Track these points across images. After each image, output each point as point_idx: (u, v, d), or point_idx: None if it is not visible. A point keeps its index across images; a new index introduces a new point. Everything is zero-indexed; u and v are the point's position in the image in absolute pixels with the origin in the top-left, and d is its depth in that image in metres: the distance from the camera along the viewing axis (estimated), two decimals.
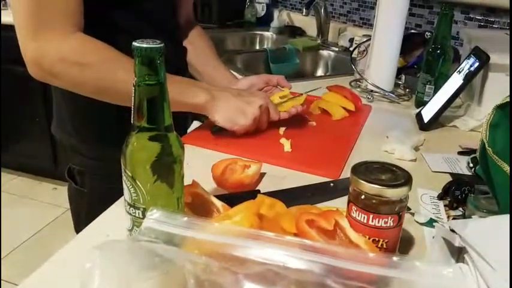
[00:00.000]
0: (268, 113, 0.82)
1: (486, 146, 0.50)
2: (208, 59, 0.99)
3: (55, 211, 2.20)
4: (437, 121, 0.92)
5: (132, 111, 0.42)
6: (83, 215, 0.85)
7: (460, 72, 0.91)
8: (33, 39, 0.65)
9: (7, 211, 2.22)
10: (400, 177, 0.45)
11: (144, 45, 0.40)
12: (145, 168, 0.43)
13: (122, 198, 0.58)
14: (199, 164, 0.67)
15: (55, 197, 2.31)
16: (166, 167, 0.44)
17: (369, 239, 0.45)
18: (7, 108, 2.29)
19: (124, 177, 0.44)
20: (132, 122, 0.43)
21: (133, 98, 0.42)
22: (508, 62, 0.84)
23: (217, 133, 0.80)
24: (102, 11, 0.72)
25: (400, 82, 1.19)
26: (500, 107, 0.52)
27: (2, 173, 2.50)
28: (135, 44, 0.40)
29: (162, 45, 0.41)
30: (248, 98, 0.80)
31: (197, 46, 0.98)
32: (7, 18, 1.91)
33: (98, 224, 0.57)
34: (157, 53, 0.41)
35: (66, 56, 0.66)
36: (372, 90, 1.12)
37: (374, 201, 0.44)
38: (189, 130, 0.90)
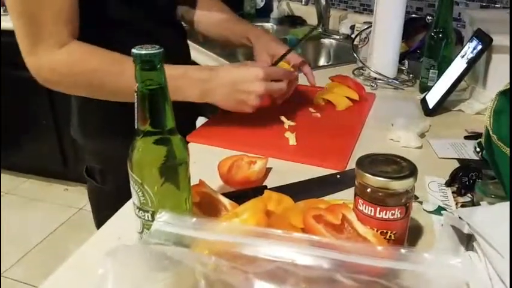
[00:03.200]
0: (275, 84, 0.79)
1: (490, 133, 0.50)
2: (230, 19, 1.01)
3: (67, 212, 2.23)
4: (442, 106, 0.91)
5: (136, 116, 0.43)
6: (106, 213, 0.87)
7: (463, 56, 0.90)
8: (29, 53, 0.68)
9: (19, 214, 2.25)
10: (405, 168, 0.45)
11: (143, 52, 0.40)
12: (152, 172, 0.43)
13: (132, 200, 0.59)
14: (205, 162, 0.67)
15: (67, 198, 2.34)
16: (173, 170, 0.44)
17: (377, 231, 0.45)
18: (15, 112, 2.32)
19: (131, 181, 0.44)
20: (136, 127, 0.43)
21: (135, 103, 0.42)
22: None
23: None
24: (104, 6, 0.74)
25: (403, 68, 1.18)
26: (503, 93, 0.51)
27: (12, 177, 2.54)
28: (134, 50, 0.40)
29: (161, 50, 0.41)
30: (244, 87, 0.75)
31: (214, 15, 1.00)
32: (7, 23, 1.97)
33: (110, 226, 0.58)
34: (157, 58, 0.41)
35: (57, 67, 0.69)
36: (375, 78, 1.11)
37: (380, 194, 0.44)
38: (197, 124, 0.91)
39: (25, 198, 2.38)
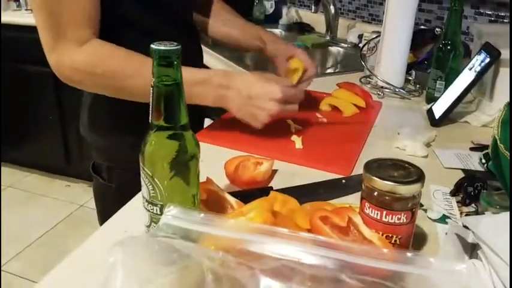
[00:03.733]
0: (289, 107, 0.78)
1: (498, 142, 0.51)
2: (244, 24, 1.02)
3: (69, 208, 2.23)
4: (449, 117, 0.91)
5: (150, 111, 0.44)
6: (111, 210, 0.87)
7: (471, 68, 0.90)
8: (52, 50, 0.69)
9: (21, 208, 2.25)
10: (412, 173, 0.46)
11: (162, 48, 0.41)
12: (163, 166, 0.44)
13: (138, 195, 0.59)
14: (212, 161, 0.67)
15: (68, 194, 2.35)
16: (183, 165, 0.45)
17: (382, 235, 0.45)
18: (20, 107, 2.33)
19: (142, 175, 0.45)
20: (150, 121, 0.44)
21: (151, 97, 0.43)
22: None
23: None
24: (119, 7, 0.74)
25: (410, 78, 1.19)
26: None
27: (15, 170, 2.55)
28: (153, 46, 0.41)
29: (179, 47, 0.42)
30: (259, 103, 0.74)
31: (226, 17, 1.01)
32: (24, 19, 1.96)
33: (116, 220, 0.58)
34: (175, 54, 0.42)
35: (78, 66, 0.70)
36: (382, 87, 1.12)
37: (387, 197, 0.45)
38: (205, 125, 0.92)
39: (27, 192, 2.39)
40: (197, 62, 0.92)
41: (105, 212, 0.91)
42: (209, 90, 0.74)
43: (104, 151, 0.87)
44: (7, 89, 2.29)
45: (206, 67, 1.03)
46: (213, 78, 0.74)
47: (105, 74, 0.71)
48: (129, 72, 0.71)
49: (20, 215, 2.20)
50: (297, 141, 0.79)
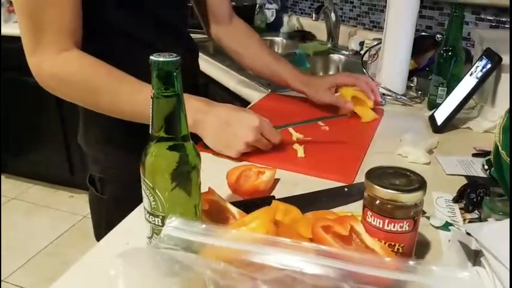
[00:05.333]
0: (264, 139, 0.76)
1: (500, 149, 0.51)
2: (272, 63, 1.01)
3: (72, 219, 2.24)
4: (451, 123, 0.91)
5: (151, 122, 0.44)
6: (103, 221, 0.87)
7: (472, 74, 0.90)
8: (32, 55, 0.69)
9: (24, 219, 2.26)
10: (414, 181, 0.46)
11: (161, 59, 0.41)
12: (164, 177, 0.44)
13: (140, 206, 0.59)
14: (214, 171, 0.67)
15: (72, 205, 2.35)
16: (184, 175, 0.45)
17: (385, 243, 0.45)
18: (22, 118, 2.35)
19: (143, 186, 0.45)
20: (150, 132, 0.44)
21: (151, 109, 0.43)
22: None
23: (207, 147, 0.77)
24: (108, 17, 0.75)
25: (412, 85, 1.19)
26: None
27: (18, 182, 2.56)
28: (152, 58, 0.42)
29: (178, 58, 0.42)
30: (236, 130, 0.73)
31: (252, 52, 1.01)
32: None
33: (118, 232, 0.58)
34: (174, 66, 0.42)
35: (55, 73, 0.69)
36: (383, 94, 1.12)
37: (389, 206, 0.45)
38: None
39: (31, 204, 2.40)
40: (191, 77, 0.91)
41: (98, 223, 0.91)
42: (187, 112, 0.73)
43: (97, 162, 0.87)
44: (9, 101, 2.31)
45: (197, 82, 1.01)
46: (192, 101, 0.72)
47: (80, 84, 0.70)
48: (106, 85, 0.70)
49: (23, 226, 2.20)
50: (299, 150, 0.79)
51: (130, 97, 0.70)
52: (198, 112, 0.72)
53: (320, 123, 0.93)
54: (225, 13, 1.00)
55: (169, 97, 0.43)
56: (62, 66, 0.69)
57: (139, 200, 0.56)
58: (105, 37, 0.76)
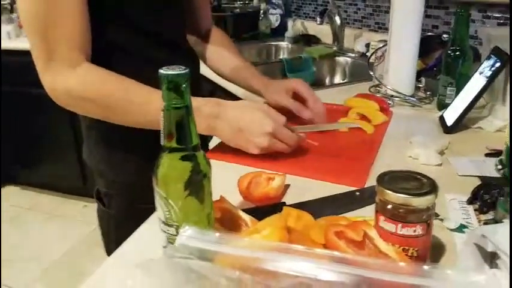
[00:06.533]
0: (279, 143, 0.75)
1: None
2: (239, 66, 1.01)
3: (86, 228, 2.26)
4: (462, 123, 0.91)
5: (162, 134, 0.44)
6: (112, 235, 0.88)
7: (481, 73, 0.90)
8: (45, 72, 0.69)
9: (38, 229, 2.29)
10: (425, 185, 0.46)
11: (170, 72, 0.42)
12: (177, 187, 0.44)
13: (151, 218, 0.60)
14: (225, 179, 0.68)
15: (85, 214, 2.37)
16: (197, 185, 0.45)
17: (399, 248, 0.45)
18: (36, 128, 2.38)
19: (157, 197, 0.46)
20: (162, 143, 0.45)
21: (162, 121, 0.44)
22: None
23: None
24: (112, 35, 0.75)
25: (420, 85, 1.18)
26: None
27: (33, 192, 2.59)
28: (161, 71, 0.42)
29: (187, 70, 0.43)
30: (248, 136, 0.73)
31: (224, 54, 1.02)
32: None
33: (130, 245, 0.58)
34: (183, 78, 0.42)
35: (70, 89, 0.69)
36: (392, 95, 1.12)
37: (401, 210, 0.45)
38: (210, 144, 0.92)
39: (45, 214, 2.42)
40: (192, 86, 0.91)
41: (107, 237, 0.91)
42: (199, 119, 0.70)
43: (102, 177, 0.88)
44: (21, 112, 2.35)
45: (199, 91, 1.02)
46: (202, 108, 0.72)
47: (94, 99, 0.70)
48: (116, 101, 0.71)
49: (38, 236, 2.23)
50: (309, 154, 0.79)
51: (141, 108, 0.71)
52: (209, 118, 0.72)
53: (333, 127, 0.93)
54: (206, 25, 1.03)
55: (179, 108, 0.43)
56: (75, 83, 0.69)
57: (146, 213, 0.57)
58: (105, 53, 0.76)
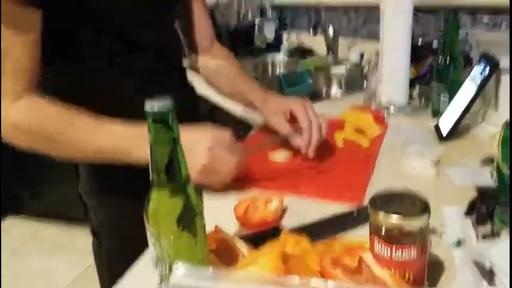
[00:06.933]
0: (225, 158, 0.70)
1: (500, 162, 0.50)
2: (238, 80, 0.98)
3: (90, 258, 2.24)
4: (456, 131, 0.90)
5: (150, 168, 0.44)
6: (105, 272, 0.88)
7: (472, 79, 0.90)
8: None
9: (44, 259, 2.28)
10: (418, 206, 0.45)
11: (155, 106, 0.42)
12: (168, 223, 0.44)
13: (144, 255, 0.59)
14: (218, 208, 0.67)
15: (89, 243, 2.36)
16: (188, 220, 0.45)
17: (395, 271, 0.45)
18: (39, 158, 2.39)
19: (148, 234, 0.46)
20: (151, 178, 0.45)
21: (149, 155, 0.44)
22: None
23: None
24: (97, 50, 0.73)
25: (414, 93, 1.18)
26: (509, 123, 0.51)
27: (36, 223, 2.58)
28: (146, 107, 0.42)
29: (171, 101, 0.42)
30: (194, 152, 0.66)
31: (224, 71, 0.98)
32: None
33: (125, 282, 0.57)
34: (168, 110, 0.42)
35: (13, 123, 0.67)
36: (386, 105, 1.12)
37: (394, 232, 0.44)
38: None
39: (49, 244, 2.42)
40: (187, 111, 0.81)
41: (101, 274, 0.91)
42: (141, 145, 0.64)
43: (94, 213, 0.88)
44: None
45: (197, 108, 1.00)
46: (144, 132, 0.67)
47: (39, 132, 0.68)
48: (60, 128, 0.68)
49: (42, 266, 2.22)
50: (305, 172, 0.79)
51: (86, 139, 0.68)
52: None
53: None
54: (206, 45, 1.00)
55: (166, 141, 0.43)
56: (17, 116, 0.66)
57: (137, 251, 0.56)
58: (90, 70, 0.75)
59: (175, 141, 0.44)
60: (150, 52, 0.80)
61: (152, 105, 0.42)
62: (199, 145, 0.68)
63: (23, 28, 0.64)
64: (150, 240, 0.46)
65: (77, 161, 0.74)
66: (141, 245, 0.53)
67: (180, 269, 0.42)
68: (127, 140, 0.68)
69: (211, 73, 1.00)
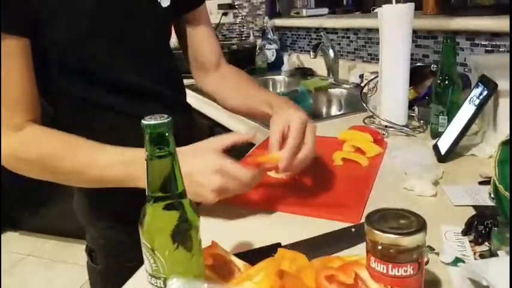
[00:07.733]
0: (232, 181, 0.66)
1: (497, 183, 0.50)
2: (251, 94, 0.90)
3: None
4: (455, 151, 0.91)
5: (146, 183, 0.45)
6: None
7: (470, 101, 0.91)
8: None
9: (41, 275, 2.25)
10: (414, 223, 0.45)
11: (152, 122, 0.43)
12: (163, 238, 0.44)
13: (138, 272, 0.59)
14: (218, 220, 0.68)
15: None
16: (184, 234, 0.45)
17: None
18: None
19: (143, 249, 0.46)
20: (146, 193, 0.45)
21: (146, 170, 0.44)
22: None
23: None
24: (79, 89, 0.75)
25: (413, 114, 1.19)
26: (505, 143, 0.52)
27: (33, 238, 2.57)
28: (143, 122, 0.43)
29: (169, 119, 0.43)
30: (199, 178, 0.64)
31: (237, 87, 0.93)
32: None
33: None
34: (166, 127, 0.43)
35: (13, 153, 0.68)
36: (386, 126, 1.13)
37: (391, 250, 0.44)
38: None
39: (47, 259, 2.40)
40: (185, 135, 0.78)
41: None
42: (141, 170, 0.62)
43: (87, 232, 0.88)
44: None
45: (193, 133, 0.93)
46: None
47: (39, 160, 0.68)
48: (61, 155, 0.68)
49: (41, 282, 2.20)
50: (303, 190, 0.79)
51: (87, 166, 0.68)
52: None
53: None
54: (212, 62, 0.95)
55: (162, 157, 0.44)
56: (18, 146, 0.67)
57: (130, 271, 0.56)
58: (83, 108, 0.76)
59: (172, 157, 0.44)
60: (145, 96, 0.80)
61: (149, 123, 0.43)
62: (206, 169, 0.64)
63: (13, 57, 0.65)
64: (145, 254, 0.46)
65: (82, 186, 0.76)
66: (134, 264, 0.53)
67: (175, 284, 0.42)
68: (135, 166, 0.65)
69: (224, 89, 0.94)
